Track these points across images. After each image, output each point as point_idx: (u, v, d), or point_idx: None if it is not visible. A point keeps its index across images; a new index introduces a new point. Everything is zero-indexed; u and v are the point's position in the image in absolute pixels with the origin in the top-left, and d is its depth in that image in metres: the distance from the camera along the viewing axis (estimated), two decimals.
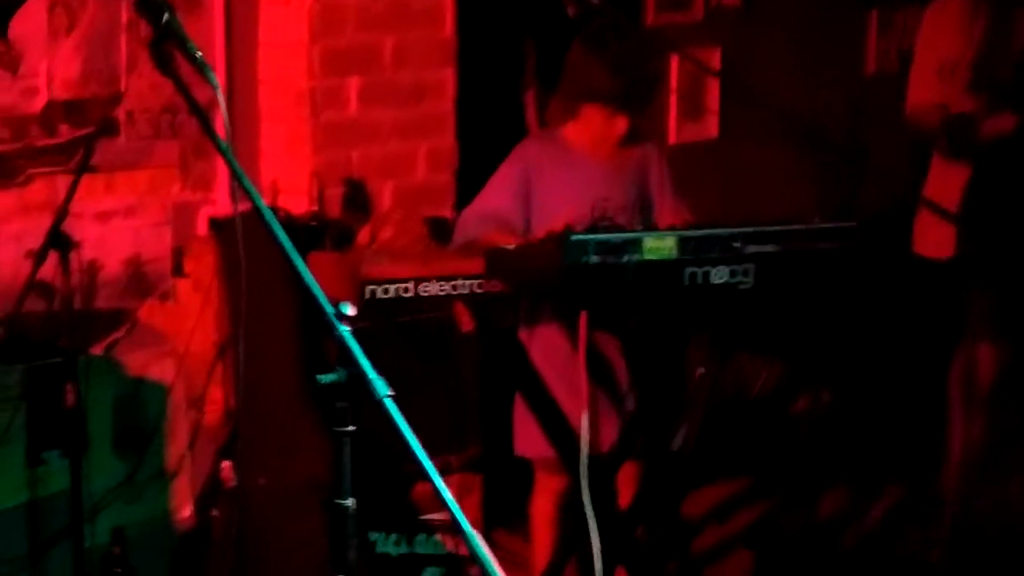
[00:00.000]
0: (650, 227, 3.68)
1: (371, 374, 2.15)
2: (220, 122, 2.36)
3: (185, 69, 2.32)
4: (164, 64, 2.36)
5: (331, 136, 4.56)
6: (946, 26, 4.37)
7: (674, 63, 5.60)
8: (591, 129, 3.79)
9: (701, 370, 3.82)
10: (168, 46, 2.35)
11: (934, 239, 4.35)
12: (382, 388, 2.15)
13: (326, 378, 2.19)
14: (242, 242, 2.49)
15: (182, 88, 2.34)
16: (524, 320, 3.84)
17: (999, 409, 4.45)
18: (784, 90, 5.32)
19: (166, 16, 2.34)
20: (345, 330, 2.18)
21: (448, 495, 2.09)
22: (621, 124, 3.75)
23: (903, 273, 4.42)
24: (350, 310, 2.20)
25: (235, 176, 2.32)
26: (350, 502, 2.26)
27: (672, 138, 5.86)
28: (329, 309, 2.20)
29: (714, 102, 5.92)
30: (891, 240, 4.49)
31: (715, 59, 5.87)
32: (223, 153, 2.33)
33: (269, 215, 2.25)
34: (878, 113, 4.80)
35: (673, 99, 5.74)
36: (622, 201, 3.83)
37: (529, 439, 3.89)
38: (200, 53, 2.32)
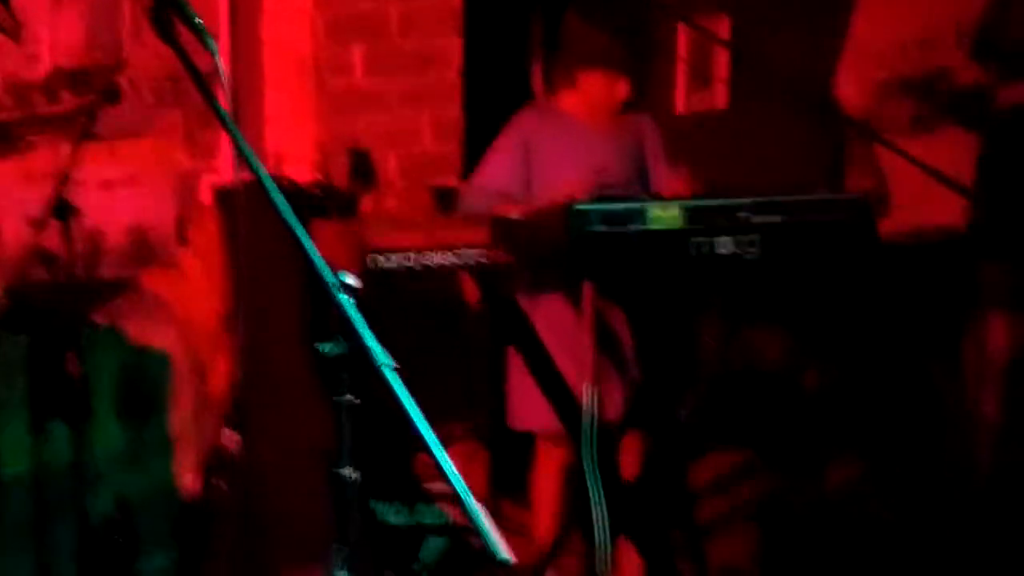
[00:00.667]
0: (647, 196, 3.65)
1: (372, 344, 2.13)
2: (222, 90, 2.33)
3: (186, 37, 2.30)
4: (164, 31, 2.33)
5: (336, 104, 4.53)
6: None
7: (681, 32, 5.55)
8: (590, 96, 3.77)
9: (708, 341, 3.80)
10: (168, 13, 2.32)
11: (941, 209, 4.30)
12: (382, 357, 2.13)
13: (327, 348, 2.18)
14: (243, 212, 2.47)
15: (182, 56, 2.31)
16: (529, 290, 3.82)
17: (1017, 384, 4.41)
18: (794, 58, 5.27)
19: None
20: (346, 299, 2.16)
21: (449, 465, 2.08)
22: (622, 88, 3.73)
23: (911, 246, 4.39)
24: (351, 279, 2.18)
25: (236, 145, 2.30)
26: (350, 471, 2.25)
27: (680, 108, 5.81)
28: (330, 278, 2.18)
29: (723, 71, 5.86)
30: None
31: (723, 27, 5.82)
32: (224, 122, 2.30)
33: (270, 184, 2.23)
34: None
35: (681, 68, 5.69)
36: (620, 169, 3.82)
37: (529, 411, 3.87)
38: (200, 19, 2.30)
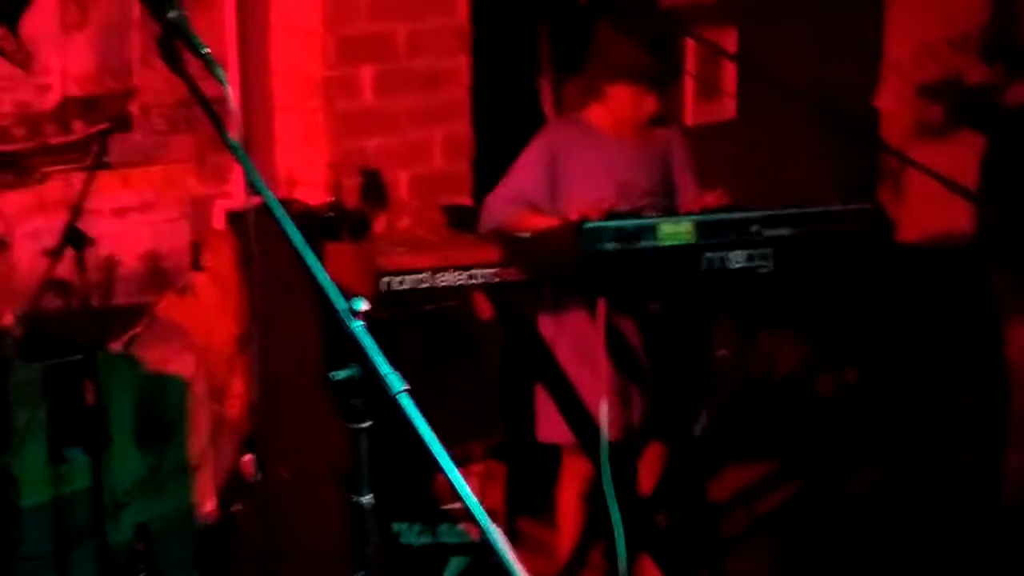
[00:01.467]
0: (674, 210, 3.66)
1: (385, 369, 2.13)
2: (230, 118, 2.33)
3: (195, 64, 2.31)
4: (172, 60, 2.34)
5: (346, 126, 4.54)
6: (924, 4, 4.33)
7: (690, 44, 5.56)
8: (620, 109, 3.77)
9: (723, 352, 3.80)
10: (176, 42, 2.33)
11: (947, 215, 4.28)
12: (396, 384, 2.12)
13: (340, 374, 2.17)
14: (255, 236, 2.47)
15: (191, 84, 2.33)
16: (544, 307, 3.83)
17: None
18: (801, 70, 5.28)
19: (173, 12, 2.32)
20: (358, 325, 2.16)
21: (465, 488, 2.07)
22: (650, 103, 3.74)
23: (923, 252, 4.38)
24: (363, 305, 2.18)
25: (246, 172, 2.31)
26: (368, 498, 2.25)
27: (689, 120, 5.82)
28: (341, 305, 2.18)
29: (731, 83, 5.88)
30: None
31: (731, 40, 5.83)
32: (233, 150, 2.31)
33: (279, 210, 2.24)
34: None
35: (689, 81, 5.70)
36: (647, 184, 3.83)
37: (554, 425, 3.88)
38: (208, 49, 2.31)
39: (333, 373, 2.18)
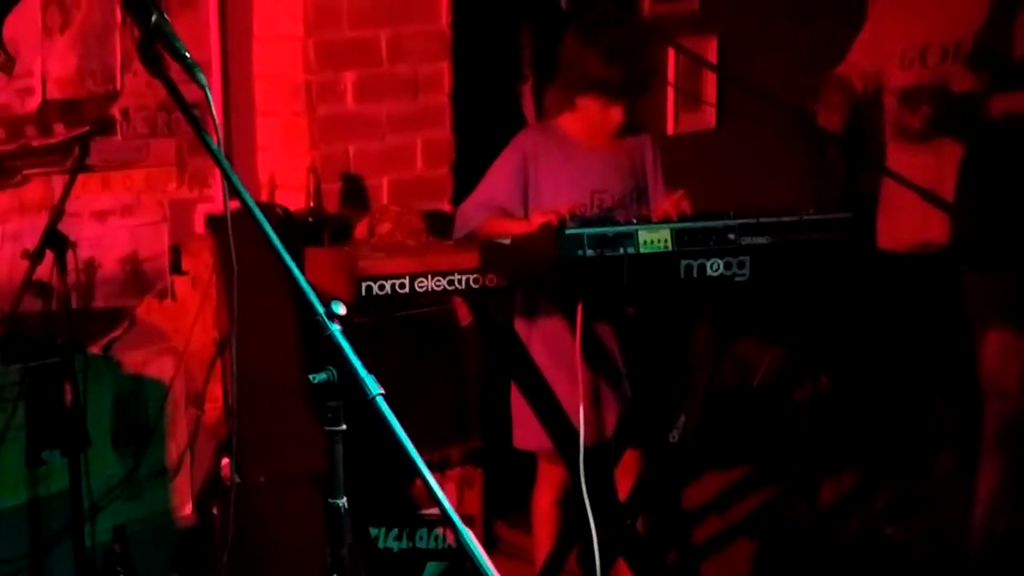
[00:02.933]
0: (647, 217, 3.68)
1: (362, 372, 2.14)
2: (211, 123, 2.34)
3: (176, 67, 2.32)
4: (154, 65, 2.35)
5: (328, 130, 4.55)
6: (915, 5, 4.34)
7: (671, 53, 5.59)
8: (588, 119, 3.79)
9: (700, 358, 3.82)
10: (157, 46, 2.34)
11: (924, 224, 4.29)
12: (373, 387, 2.13)
13: (318, 377, 2.19)
14: (233, 240, 2.48)
15: (172, 89, 2.33)
16: (522, 312, 3.84)
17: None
18: (781, 80, 5.31)
19: (154, 16, 2.33)
20: (336, 329, 2.17)
21: (440, 493, 2.08)
22: (617, 114, 3.76)
23: (900, 260, 4.40)
24: (341, 309, 2.19)
25: (225, 177, 2.32)
26: (343, 501, 2.26)
27: (670, 129, 5.85)
28: (319, 308, 2.19)
29: (711, 93, 5.91)
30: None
31: (711, 49, 5.86)
32: (214, 155, 2.32)
33: (259, 214, 2.25)
34: (874, 102, 4.79)
35: (671, 90, 5.73)
36: (619, 191, 3.84)
37: (530, 431, 3.89)
38: (189, 54, 2.31)
39: (311, 375, 2.19)
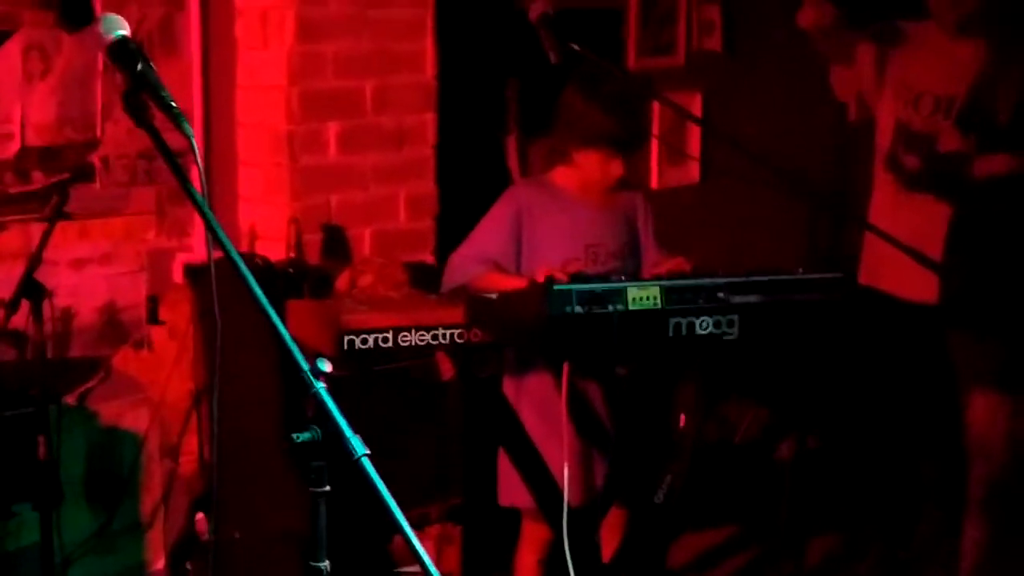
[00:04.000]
0: (639, 273, 3.65)
1: (348, 433, 2.09)
2: (195, 172, 2.30)
3: (160, 116, 2.28)
4: (138, 114, 2.31)
5: (310, 181, 4.51)
6: (918, 52, 4.34)
7: (656, 108, 5.59)
8: (588, 173, 3.76)
9: (684, 416, 3.77)
10: (143, 95, 2.30)
11: (910, 282, 4.26)
12: (359, 447, 2.09)
13: (302, 436, 2.13)
14: (216, 292, 2.43)
15: (157, 139, 2.29)
16: (508, 369, 3.79)
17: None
18: (766, 136, 5.31)
19: (140, 65, 2.29)
20: (321, 387, 2.12)
21: (424, 554, 2.03)
22: (617, 167, 3.74)
23: (889, 320, 4.37)
24: (326, 366, 2.14)
25: (209, 229, 2.28)
26: (325, 564, 2.21)
27: (654, 183, 5.84)
28: (304, 366, 2.14)
29: (696, 147, 5.90)
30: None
31: (696, 104, 5.86)
32: (198, 205, 2.28)
33: (243, 267, 2.20)
34: (861, 161, 4.79)
35: (655, 144, 5.72)
36: (614, 246, 3.81)
37: (516, 488, 3.84)
38: (175, 103, 2.27)
39: (294, 435, 2.13)
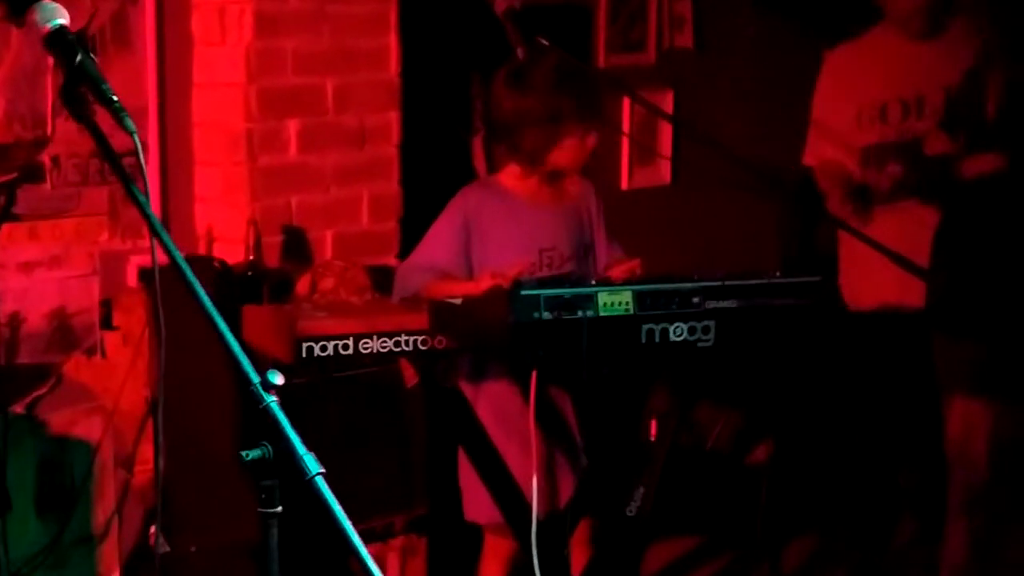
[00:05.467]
0: (606, 278, 3.53)
1: (300, 450, 1.97)
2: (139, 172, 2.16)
3: (104, 114, 2.15)
4: (78, 109, 2.18)
5: (269, 181, 4.39)
6: (869, 65, 4.29)
7: (626, 106, 5.49)
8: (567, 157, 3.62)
9: (654, 425, 3.68)
10: (81, 89, 2.17)
11: (896, 286, 4.19)
12: (313, 466, 1.97)
13: (251, 454, 2.01)
14: (160, 299, 2.33)
15: (97, 135, 2.17)
16: (468, 377, 3.67)
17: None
18: (738, 135, 5.22)
19: (79, 56, 2.16)
20: (272, 401, 2.00)
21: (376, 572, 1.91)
22: (591, 141, 3.59)
23: (871, 319, 4.29)
24: (278, 379, 2.02)
25: (152, 230, 2.16)
26: None
27: (624, 184, 5.74)
28: (254, 378, 2.01)
29: (667, 147, 5.80)
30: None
31: (668, 102, 5.76)
32: (140, 207, 2.15)
33: (189, 273, 2.09)
34: None
35: (625, 144, 5.62)
36: (567, 250, 3.70)
37: (480, 503, 3.72)
38: (116, 97, 2.14)
39: (244, 452, 2.01)
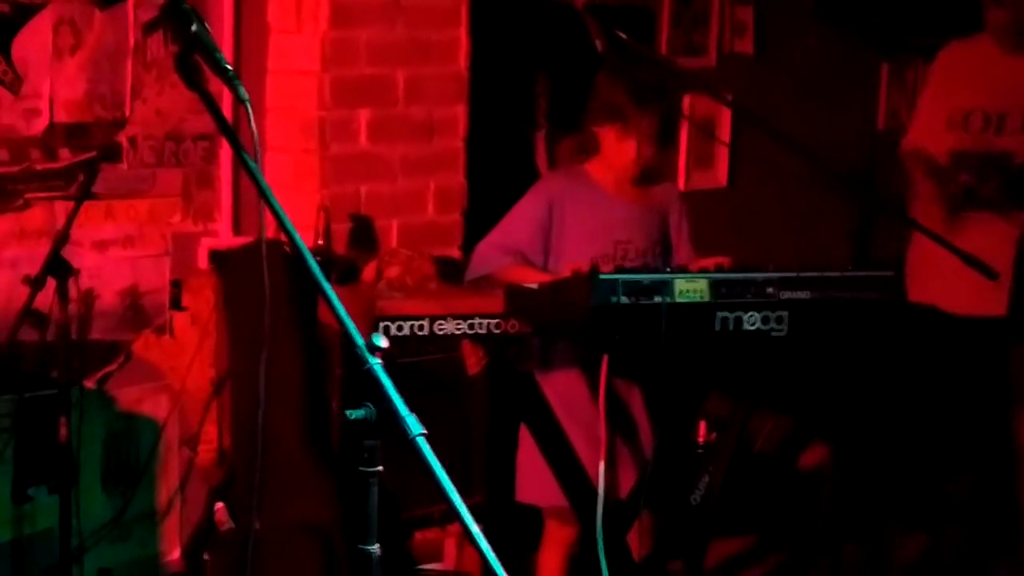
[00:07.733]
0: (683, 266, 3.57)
1: (403, 411, 2.03)
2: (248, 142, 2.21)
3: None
4: (191, 78, 2.24)
5: (339, 169, 4.43)
6: (966, 70, 4.30)
7: (686, 108, 5.51)
8: (609, 156, 3.67)
9: (703, 424, 3.71)
10: (196, 58, 2.22)
11: (973, 294, 4.18)
12: (415, 426, 2.03)
13: (355, 414, 2.06)
14: (241, 277, 2.37)
15: (211, 103, 2.22)
16: (541, 363, 3.70)
17: None
18: (807, 130, 5.23)
19: (195, 25, 2.22)
20: (376, 363, 2.05)
21: (480, 535, 1.96)
22: (631, 148, 3.63)
23: (935, 326, 4.29)
24: (383, 342, 2.07)
25: (263, 197, 2.21)
26: (375, 547, 2.14)
27: (681, 186, 5.76)
28: (359, 340, 2.06)
29: (724, 151, 5.82)
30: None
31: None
32: (251, 173, 2.20)
33: (299, 240, 2.16)
34: (889, 169, 4.73)
35: (683, 146, 5.65)
36: (643, 244, 3.73)
37: (538, 486, 3.75)
38: (230, 66, 2.20)
39: (348, 412, 2.06)
